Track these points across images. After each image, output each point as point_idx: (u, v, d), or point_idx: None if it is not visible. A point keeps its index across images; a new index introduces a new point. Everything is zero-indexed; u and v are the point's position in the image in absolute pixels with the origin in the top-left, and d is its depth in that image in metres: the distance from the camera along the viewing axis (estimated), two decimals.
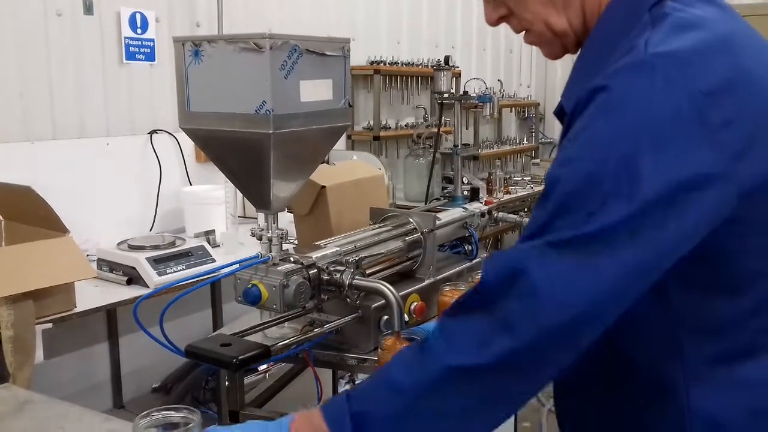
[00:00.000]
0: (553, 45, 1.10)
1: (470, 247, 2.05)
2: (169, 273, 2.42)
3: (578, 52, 1.10)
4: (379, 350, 1.42)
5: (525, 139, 5.65)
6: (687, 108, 0.86)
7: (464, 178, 4.12)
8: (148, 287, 2.37)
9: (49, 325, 2.07)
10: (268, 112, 1.31)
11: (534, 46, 1.16)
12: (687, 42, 0.90)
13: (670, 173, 0.85)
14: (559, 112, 1.08)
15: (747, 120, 0.88)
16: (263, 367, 2.68)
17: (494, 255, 0.97)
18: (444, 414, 0.93)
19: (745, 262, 0.95)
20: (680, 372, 0.98)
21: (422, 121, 4.48)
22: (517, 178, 4.71)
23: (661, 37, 0.91)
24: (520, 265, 0.89)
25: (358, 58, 4.26)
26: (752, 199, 0.89)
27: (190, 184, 3.27)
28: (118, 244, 2.60)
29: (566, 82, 1.09)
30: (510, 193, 4.30)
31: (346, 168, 2.37)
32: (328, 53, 1.42)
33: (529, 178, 4.75)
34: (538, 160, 5.39)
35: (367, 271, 1.64)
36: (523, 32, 1.12)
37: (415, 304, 1.68)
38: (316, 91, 1.41)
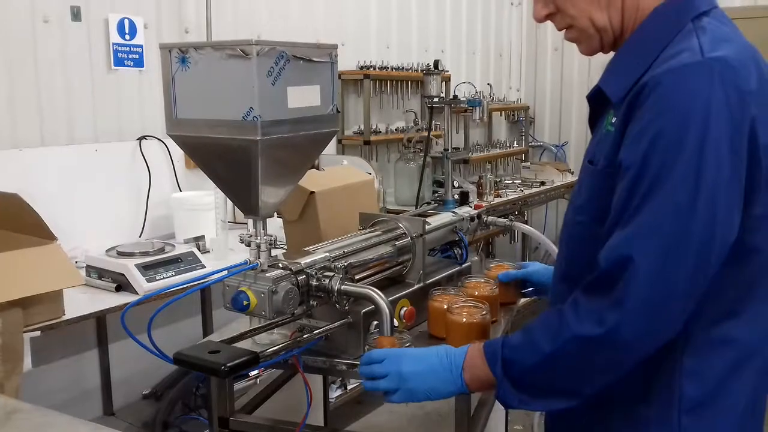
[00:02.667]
0: (592, 40, 1.25)
1: (460, 251, 2.05)
2: (158, 279, 2.41)
3: (616, 50, 1.26)
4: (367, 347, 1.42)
5: (515, 142, 5.67)
6: (737, 103, 1.06)
7: (455, 182, 4.13)
8: (137, 294, 2.36)
9: (38, 332, 2.06)
10: (255, 119, 1.31)
11: (573, 41, 1.30)
12: (730, 51, 1.10)
13: (728, 160, 1.05)
14: (595, 96, 1.25)
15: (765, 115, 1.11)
16: (253, 373, 2.67)
17: (612, 241, 1.12)
18: (570, 372, 1.15)
19: (750, 237, 1.12)
20: (681, 334, 1.12)
21: (412, 125, 4.49)
22: (507, 182, 4.72)
23: (712, 45, 1.10)
24: (626, 252, 1.08)
25: (348, 62, 4.27)
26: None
27: (180, 190, 3.26)
28: (107, 250, 2.59)
29: (605, 71, 1.24)
30: (500, 197, 4.31)
31: (336, 173, 2.37)
32: (315, 59, 1.42)
33: (520, 182, 4.77)
34: (528, 163, 5.41)
35: (357, 277, 1.63)
36: (564, 30, 1.28)
37: (405, 309, 1.67)
38: (303, 97, 1.41)
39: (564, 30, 1.28)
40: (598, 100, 1.26)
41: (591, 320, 1.10)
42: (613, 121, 1.18)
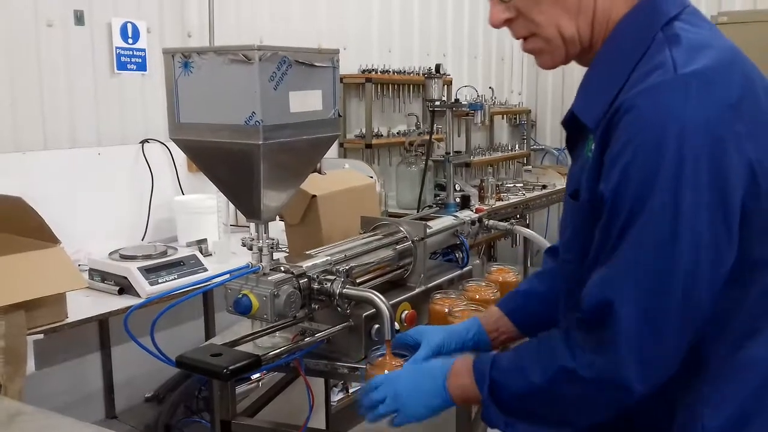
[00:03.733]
0: (557, 52, 1.14)
1: (461, 255, 2.06)
2: (161, 282, 2.42)
3: (582, 63, 1.16)
4: (368, 365, 1.39)
5: (516, 146, 5.67)
6: (716, 120, 0.96)
7: (456, 186, 4.14)
8: (140, 297, 2.36)
9: (41, 335, 2.07)
10: (257, 123, 1.32)
11: (530, 55, 1.18)
12: (707, 61, 1.00)
13: (708, 182, 0.96)
14: (570, 122, 1.15)
15: (758, 124, 1.01)
16: (255, 376, 2.68)
17: (592, 281, 1.05)
18: (560, 406, 1.11)
19: (750, 253, 1.03)
20: (691, 368, 1.05)
21: (414, 128, 4.50)
22: (509, 185, 4.73)
23: (685, 57, 1.00)
24: (605, 296, 1.02)
25: (350, 66, 4.28)
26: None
27: (182, 194, 3.27)
28: (110, 253, 2.60)
29: (577, 93, 1.14)
30: (502, 200, 4.31)
31: (337, 177, 2.38)
32: (317, 64, 1.43)
33: (521, 185, 4.77)
34: (529, 167, 5.41)
35: (358, 280, 1.64)
36: (522, 39, 1.16)
37: (406, 312, 1.68)
38: (305, 101, 1.42)
39: (522, 39, 1.16)
40: (574, 126, 1.15)
41: (583, 360, 1.04)
42: (593, 147, 1.08)
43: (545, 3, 1.10)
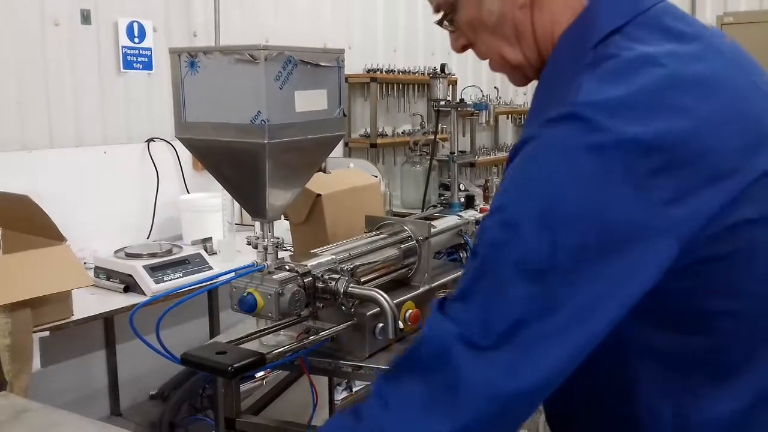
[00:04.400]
0: (514, 75, 1.07)
1: (466, 255, 2.07)
2: (166, 281, 2.43)
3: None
4: None
5: None
6: (612, 160, 0.79)
7: (461, 185, 4.13)
8: (145, 295, 2.38)
9: (46, 333, 2.08)
10: (263, 123, 1.33)
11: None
12: (621, 89, 0.82)
13: (590, 234, 0.79)
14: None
15: (685, 166, 0.80)
16: (260, 374, 2.68)
17: (428, 318, 0.89)
18: None
19: (707, 302, 0.87)
20: (639, 406, 0.92)
21: (419, 128, 4.50)
22: None
23: (595, 84, 0.84)
24: (447, 343, 0.83)
25: (355, 66, 4.28)
26: (710, 241, 0.82)
27: (188, 192, 3.29)
28: (116, 252, 2.61)
29: (526, 117, 1.04)
30: None
31: (342, 176, 2.38)
32: (322, 64, 1.43)
33: None
34: None
35: (362, 279, 1.65)
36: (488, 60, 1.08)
37: (410, 311, 1.68)
38: (311, 101, 1.42)
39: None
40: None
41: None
42: None
43: (484, 33, 1.03)
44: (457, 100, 4.13)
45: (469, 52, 1.10)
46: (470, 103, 4.01)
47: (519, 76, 1.06)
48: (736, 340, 0.89)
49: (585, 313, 0.80)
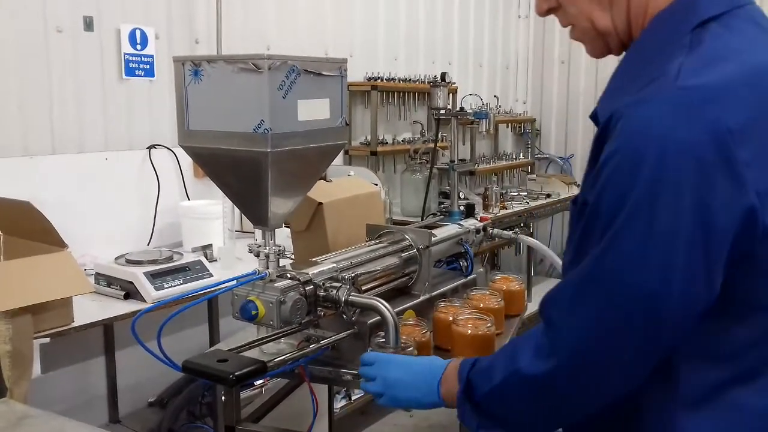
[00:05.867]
0: (596, 43, 1.11)
1: (466, 263, 2.07)
2: (166, 287, 2.43)
3: (622, 56, 1.09)
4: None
5: (521, 154, 5.67)
6: (708, 144, 0.87)
7: (461, 194, 4.14)
8: (145, 302, 2.37)
9: (47, 339, 2.08)
10: (266, 131, 1.34)
11: (583, 45, 1.15)
12: (716, 76, 0.90)
13: (692, 210, 0.88)
14: (594, 118, 1.08)
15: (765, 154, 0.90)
16: (260, 382, 2.68)
17: (555, 287, 1.04)
18: (516, 407, 1.08)
19: (755, 294, 0.96)
20: (670, 397, 0.99)
21: (419, 136, 4.51)
22: (513, 193, 4.73)
23: (695, 67, 0.91)
24: (558, 305, 1.01)
25: (356, 74, 4.29)
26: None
27: (188, 199, 3.29)
28: (116, 258, 2.61)
29: (606, 87, 1.08)
30: (506, 208, 4.32)
31: (343, 184, 2.39)
32: (325, 73, 1.44)
33: (525, 194, 4.78)
34: (534, 176, 5.42)
35: (363, 288, 1.65)
36: (569, 27, 1.13)
37: (411, 320, 1.69)
38: (313, 110, 1.43)
39: (569, 27, 1.13)
40: (597, 122, 1.07)
41: (534, 359, 1.02)
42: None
43: None
44: (458, 109, 4.15)
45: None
46: (470, 111, 4.03)
47: (600, 45, 1.10)
48: None
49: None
